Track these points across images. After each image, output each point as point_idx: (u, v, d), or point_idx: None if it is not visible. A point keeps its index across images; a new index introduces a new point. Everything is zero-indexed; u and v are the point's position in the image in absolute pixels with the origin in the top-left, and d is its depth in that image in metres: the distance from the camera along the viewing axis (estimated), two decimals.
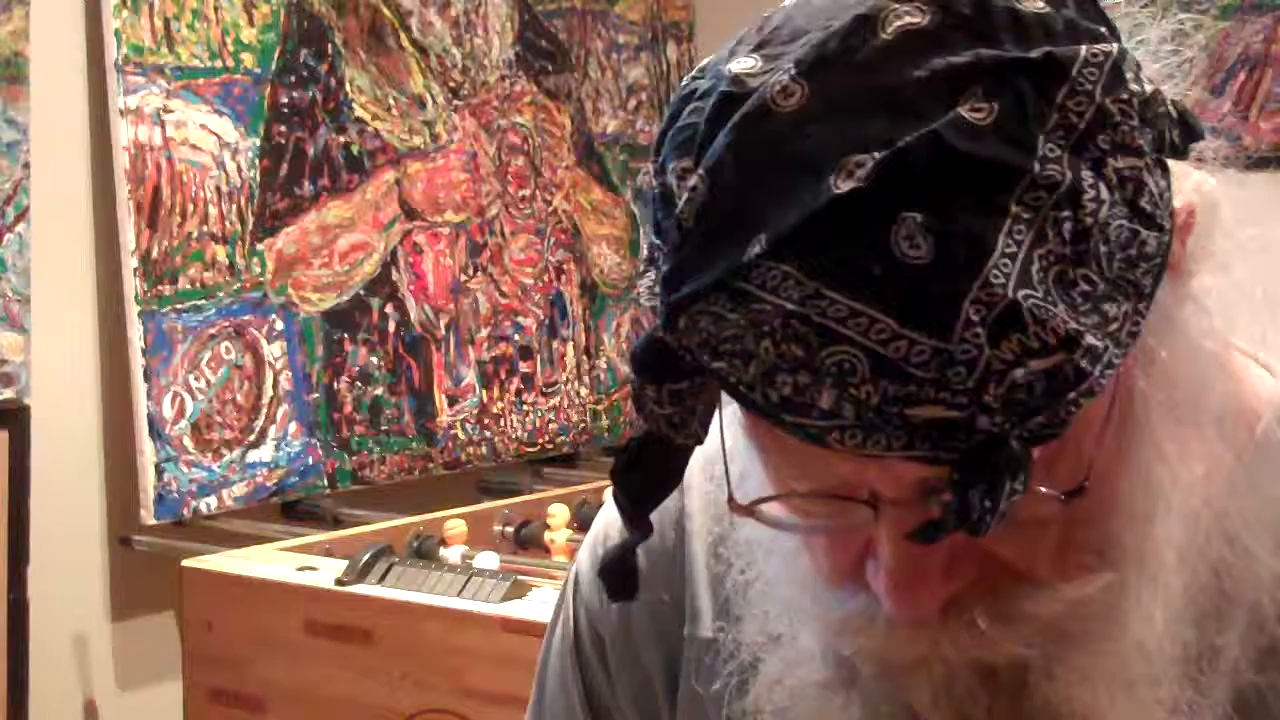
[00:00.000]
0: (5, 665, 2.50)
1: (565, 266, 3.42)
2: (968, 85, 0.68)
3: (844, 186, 0.66)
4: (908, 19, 0.69)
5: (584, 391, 3.44)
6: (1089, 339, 0.67)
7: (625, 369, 3.52)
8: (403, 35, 3.13)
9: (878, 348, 0.66)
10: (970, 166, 0.66)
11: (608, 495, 1.03)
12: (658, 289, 0.73)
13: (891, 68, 0.68)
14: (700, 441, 0.75)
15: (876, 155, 0.66)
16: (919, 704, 0.77)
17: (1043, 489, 0.71)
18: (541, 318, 3.36)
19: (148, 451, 2.71)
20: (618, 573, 0.80)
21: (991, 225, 0.66)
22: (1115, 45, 0.71)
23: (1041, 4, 0.71)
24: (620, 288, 3.53)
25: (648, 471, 0.77)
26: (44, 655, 2.62)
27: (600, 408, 3.47)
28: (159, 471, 2.71)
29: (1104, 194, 0.68)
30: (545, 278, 3.38)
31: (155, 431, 2.71)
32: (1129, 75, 0.70)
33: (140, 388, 2.71)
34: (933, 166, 0.66)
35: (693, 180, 0.70)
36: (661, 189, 0.73)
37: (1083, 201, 0.68)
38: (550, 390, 3.37)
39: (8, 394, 2.60)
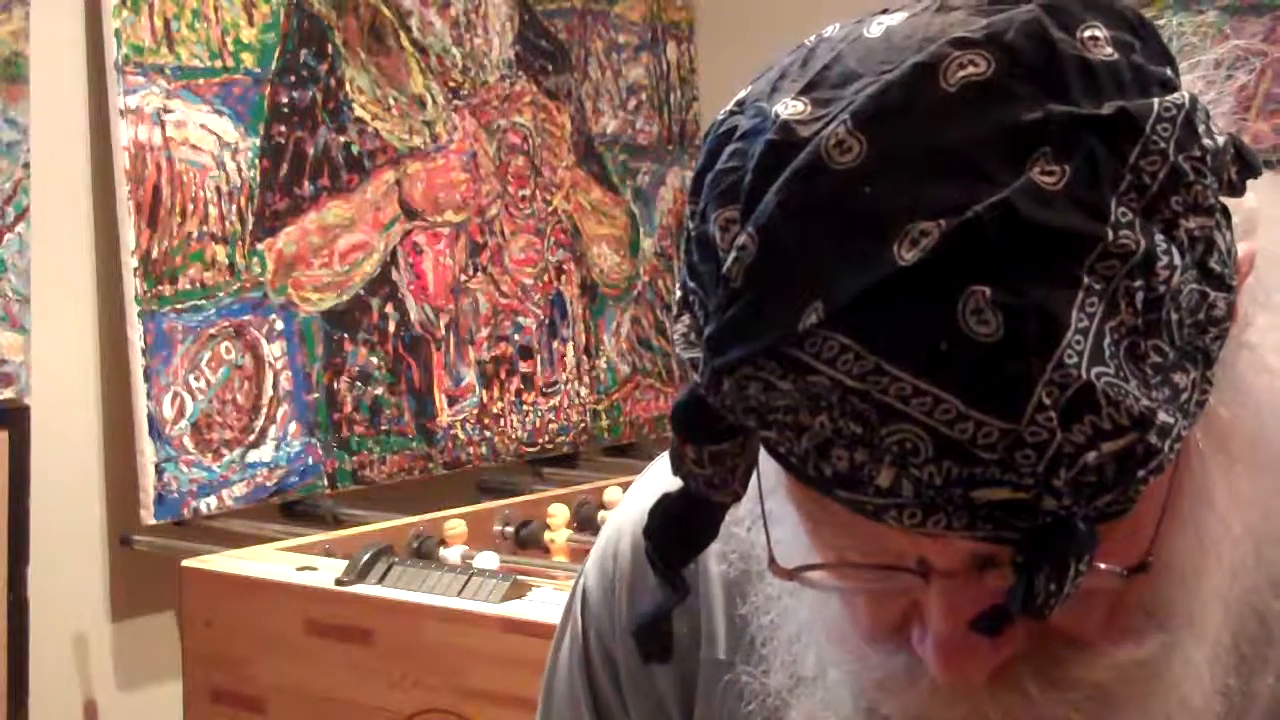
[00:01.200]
0: (5, 665, 2.50)
1: (565, 266, 3.42)
2: (1037, 145, 0.64)
3: (909, 257, 0.63)
4: (970, 69, 0.65)
5: (584, 391, 3.44)
6: (1161, 416, 0.64)
7: (625, 369, 3.52)
8: (403, 35, 3.13)
9: (942, 428, 0.63)
10: (1042, 236, 0.63)
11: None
12: (693, 336, 0.70)
13: (955, 125, 0.64)
14: (739, 500, 0.73)
15: (943, 224, 0.63)
16: None
17: (1102, 566, 0.68)
18: (541, 318, 3.36)
19: (148, 451, 2.71)
20: (653, 637, 0.77)
21: (1065, 298, 0.63)
22: (1186, 95, 0.68)
23: (1110, 49, 0.67)
24: (620, 287, 3.53)
25: (683, 529, 0.74)
26: (44, 655, 2.62)
27: (600, 408, 3.47)
28: (159, 471, 2.71)
29: (1176, 259, 0.65)
30: (545, 278, 3.38)
31: (155, 431, 2.71)
32: (1200, 129, 0.67)
33: (140, 388, 2.71)
34: (1003, 238, 0.63)
35: (741, 238, 0.66)
36: (700, 235, 0.69)
37: (1156, 269, 0.64)
38: (550, 390, 3.37)
39: (8, 394, 2.60)
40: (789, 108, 0.68)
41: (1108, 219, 0.64)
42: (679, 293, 0.73)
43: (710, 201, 0.69)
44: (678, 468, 0.72)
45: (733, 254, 0.66)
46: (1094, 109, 0.65)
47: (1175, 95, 0.67)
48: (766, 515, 0.76)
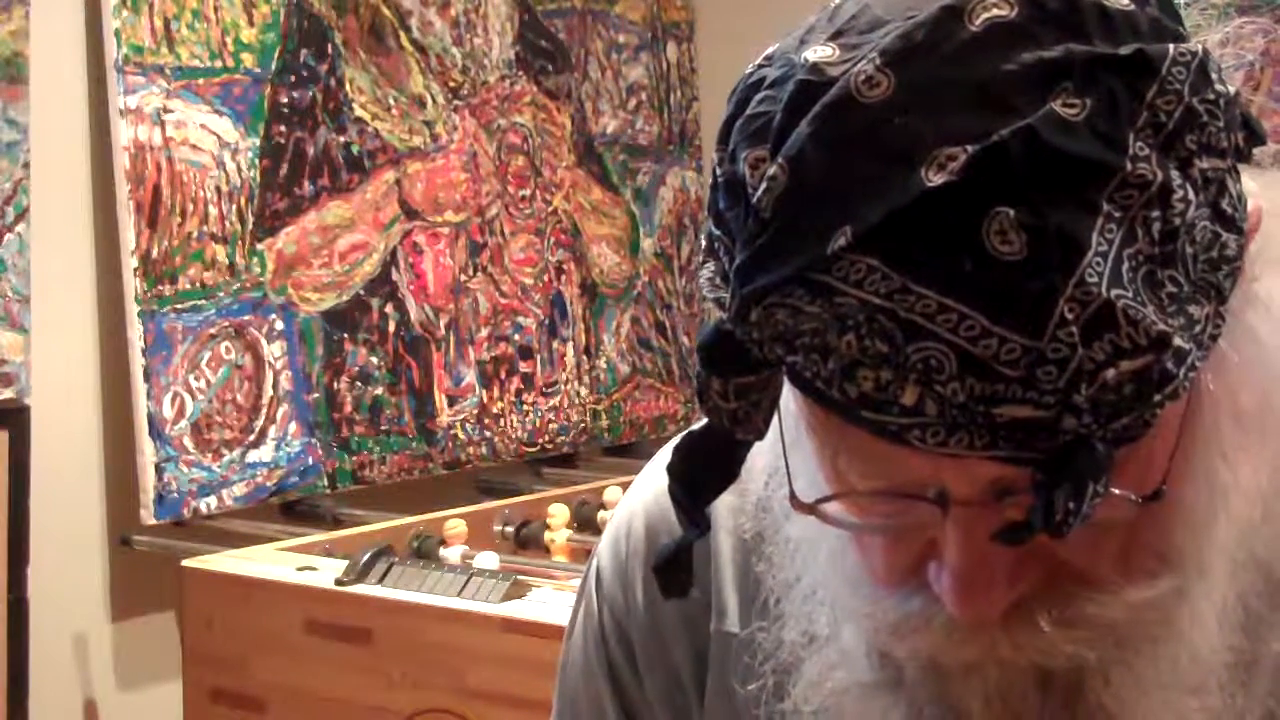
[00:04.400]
0: (5, 665, 2.50)
1: (565, 266, 3.42)
2: (1059, 80, 0.67)
3: (936, 179, 0.65)
4: (995, 11, 0.68)
5: (584, 391, 3.44)
6: (1177, 340, 0.66)
7: (625, 369, 3.53)
8: (403, 35, 3.13)
9: (966, 344, 0.65)
10: (1064, 162, 0.65)
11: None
12: (718, 280, 0.72)
13: (980, 60, 0.67)
14: (761, 437, 0.74)
15: (969, 149, 0.65)
16: (969, 706, 0.76)
17: (1117, 491, 0.69)
18: (541, 318, 3.36)
19: (148, 451, 2.71)
20: (672, 569, 0.78)
21: (1085, 223, 0.65)
22: (1200, 45, 0.70)
23: (1127, 1, 0.70)
24: (620, 287, 3.53)
25: (706, 466, 0.76)
26: (44, 655, 2.63)
27: (600, 408, 3.47)
28: (159, 471, 2.71)
29: (1190, 195, 0.67)
30: (545, 278, 3.38)
31: (155, 431, 2.71)
32: (1213, 75, 0.70)
33: (140, 388, 2.71)
34: (1027, 161, 0.65)
35: (771, 169, 0.68)
36: (729, 178, 0.71)
37: (1172, 201, 0.67)
38: (550, 390, 3.37)
39: (8, 394, 2.60)
40: (818, 52, 0.70)
41: (1126, 151, 0.66)
42: (704, 242, 0.74)
43: (740, 143, 0.71)
44: (703, 402, 0.73)
45: (763, 185, 0.68)
46: (1113, 49, 0.68)
47: (1189, 44, 0.70)
48: (787, 448, 0.77)
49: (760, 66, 0.74)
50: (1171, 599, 0.74)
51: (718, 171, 0.73)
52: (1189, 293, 0.67)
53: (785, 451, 0.77)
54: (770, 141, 0.69)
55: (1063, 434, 0.66)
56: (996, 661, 0.74)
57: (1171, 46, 0.69)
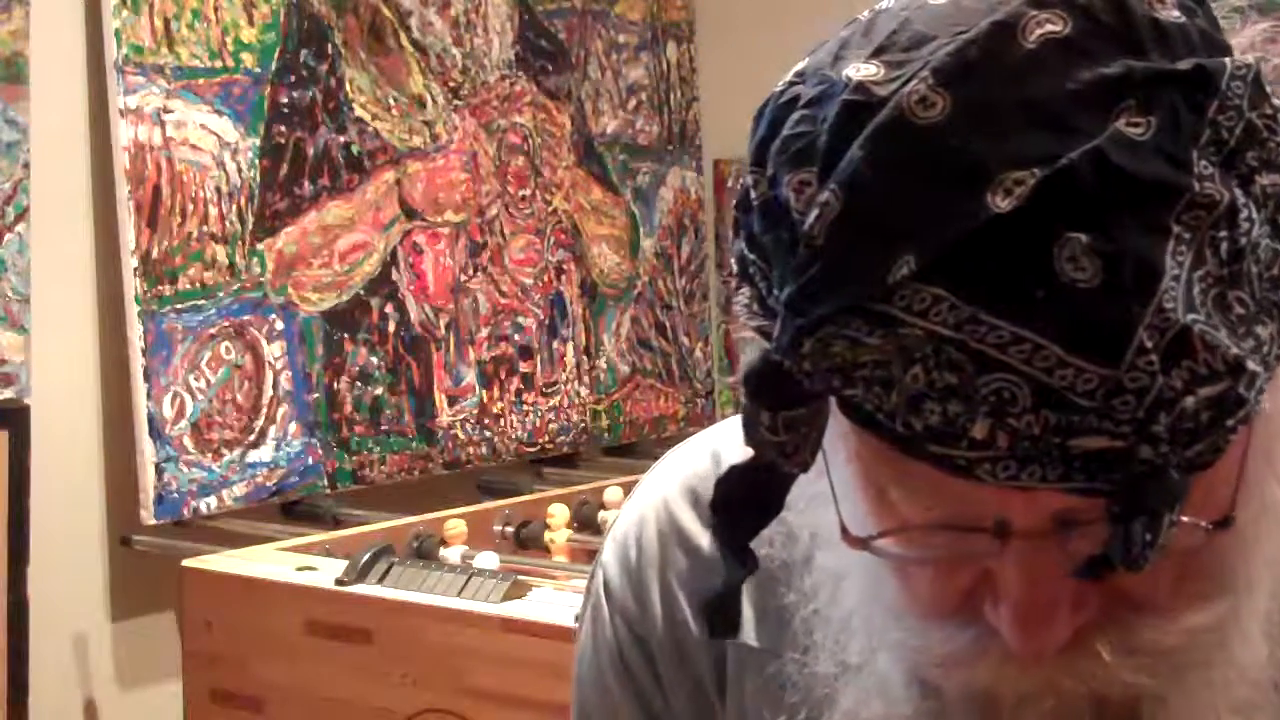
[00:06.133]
0: (5, 665, 2.50)
1: (565, 266, 3.42)
2: (1121, 98, 0.65)
3: (1005, 205, 0.63)
4: (1049, 27, 0.66)
5: (584, 391, 3.44)
6: (1249, 364, 0.65)
7: (625, 369, 3.52)
8: (403, 35, 3.13)
9: (1041, 376, 0.63)
10: (1133, 185, 0.64)
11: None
12: (755, 306, 0.70)
13: (1038, 78, 0.65)
14: (807, 469, 0.72)
15: (1037, 172, 0.63)
16: None
17: (1186, 519, 0.68)
18: (541, 318, 3.36)
19: (148, 451, 2.71)
20: (721, 612, 0.77)
21: (1159, 246, 0.63)
22: (1253, 58, 0.69)
23: (1177, 12, 0.68)
24: (620, 288, 3.53)
25: (746, 500, 0.74)
26: (44, 655, 2.63)
27: (600, 408, 3.47)
28: (159, 471, 2.72)
29: (1253, 213, 0.66)
30: (545, 278, 3.38)
31: (155, 431, 2.71)
32: (1268, 89, 0.68)
33: (140, 388, 2.71)
34: (1097, 184, 0.63)
35: (824, 194, 0.66)
36: (767, 201, 0.69)
37: (1238, 221, 0.65)
38: (550, 390, 3.37)
39: (8, 394, 2.60)
40: (861, 70, 0.68)
41: (1191, 171, 0.65)
42: (736, 266, 0.72)
43: (780, 166, 0.69)
44: (750, 437, 0.71)
45: (814, 211, 0.66)
46: (1171, 65, 0.66)
47: (1242, 56, 0.69)
48: (834, 486, 0.75)
49: (791, 84, 0.71)
50: (1226, 621, 0.73)
51: (752, 194, 0.70)
52: (1254, 313, 0.66)
53: (832, 484, 0.75)
54: (817, 164, 0.67)
55: (1138, 463, 0.64)
56: (1054, 692, 0.72)
57: (1228, 61, 0.67)
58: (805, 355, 0.67)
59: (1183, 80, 0.66)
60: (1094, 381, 0.63)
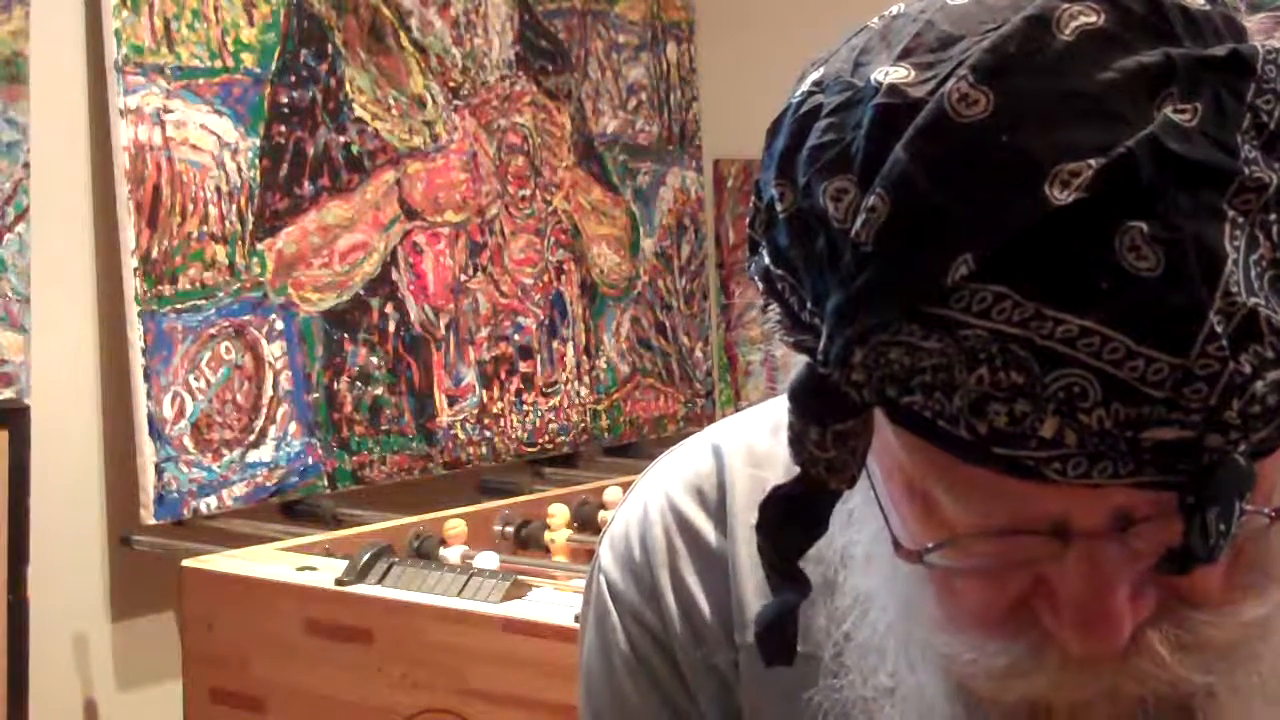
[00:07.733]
0: (5, 665, 2.50)
1: (565, 266, 3.42)
2: (1164, 85, 0.64)
3: (1064, 197, 0.62)
4: (1084, 19, 0.65)
5: (584, 391, 3.44)
6: None
7: (625, 369, 3.52)
8: (403, 35, 3.13)
9: (1110, 368, 0.62)
10: (1189, 171, 0.63)
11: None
12: (789, 322, 0.69)
13: (1079, 70, 0.64)
14: (853, 485, 0.71)
15: (1093, 163, 0.63)
16: None
17: (1249, 507, 0.67)
18: (541, 318, 3.36)
19: (148, 451, 2.71)
20: (777, 634, 0.75)
21: (1218, 231, 0.63)
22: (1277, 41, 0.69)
23: (1203, 1, 0.68)
24: (620, 288, 3.53)
25: (789, 519, 0.73)
26: (44, 655, 2.62)
27: (600, 408, 3.47)
28: (159, 471, 2.72)
29: None
30: (545, 278, 3.38)
31: (155, 431, 2.71)
32: None
33: (140, 388, 2.71)
34: (1156, 172, 0.63)
35: (870, 199, 0.65)
36: (798, 212, 0.68)
37: None
38: (550, 390, 3.37)
39: (8, 394, 2.60)
40: (891, 74, 0.67)
41: (1239, 155, 0.64)
42: (760, 285, 0.71)
43: (813, 175, 0.68)
44: (798, 454, 0.71)
45: (860, 218, 0.65)
46: (1207, 51, 0.66)
47: (1268, 41, 0.68)
48: (881, 500, 0.74)
49: (810, 94, 0.70)
50: (1275, 612, 0.72)
51: (778, 207, 0.69)
52: None
53: (878, 499, 0.74)
54: (855, 170, 0.66)
55: (1207, 452, 0.64)
56: (1110, 697, 0.71)
57: (1259, 45, 0.67)
58: (857, 365, 0.66)
59: (1222, 66, 0.65)
60: (1164, 371, 0.63)
